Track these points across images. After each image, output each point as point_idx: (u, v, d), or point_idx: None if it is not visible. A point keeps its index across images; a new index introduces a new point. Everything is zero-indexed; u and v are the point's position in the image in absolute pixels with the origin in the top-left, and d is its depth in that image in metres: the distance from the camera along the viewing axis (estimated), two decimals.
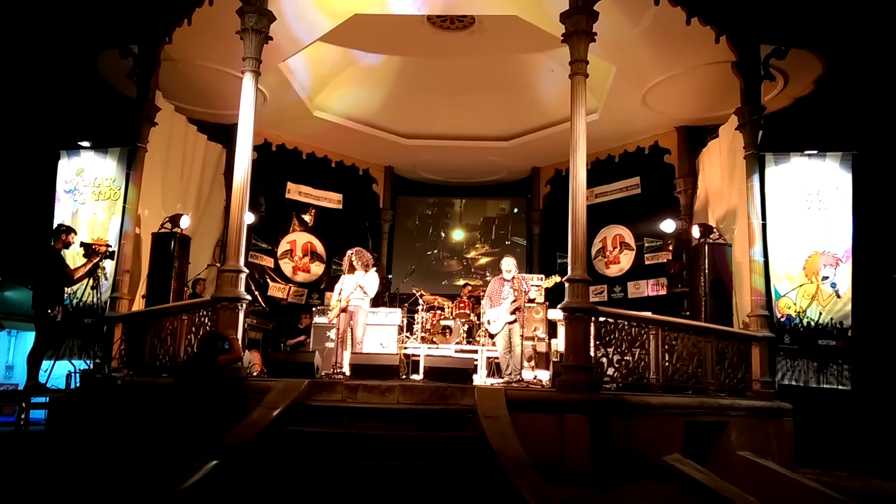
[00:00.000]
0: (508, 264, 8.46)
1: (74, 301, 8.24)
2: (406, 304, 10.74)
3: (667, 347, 7.12)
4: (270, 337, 11.29)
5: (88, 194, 8.87)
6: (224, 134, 11.06)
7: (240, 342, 6.83)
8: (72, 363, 8.04)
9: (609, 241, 12.13)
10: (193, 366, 6.33)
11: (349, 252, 8.57)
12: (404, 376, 8.75)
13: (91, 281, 7.91)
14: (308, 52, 9.40)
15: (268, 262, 12.16)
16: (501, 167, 13.37)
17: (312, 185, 12.83)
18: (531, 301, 9.12)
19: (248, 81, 7.28)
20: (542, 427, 6.14)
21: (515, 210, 14.19)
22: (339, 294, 8.38)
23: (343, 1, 8.33)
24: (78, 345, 8.31)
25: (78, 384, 7.70)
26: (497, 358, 8.84)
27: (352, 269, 8.43)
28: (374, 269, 8.61)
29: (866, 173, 8.46)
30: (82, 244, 8.06)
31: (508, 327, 8.26)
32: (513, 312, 8.19)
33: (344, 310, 8.24)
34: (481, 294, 9.66)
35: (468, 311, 10.30)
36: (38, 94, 11.15)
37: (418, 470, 5.40)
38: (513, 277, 8.35)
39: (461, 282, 12.70)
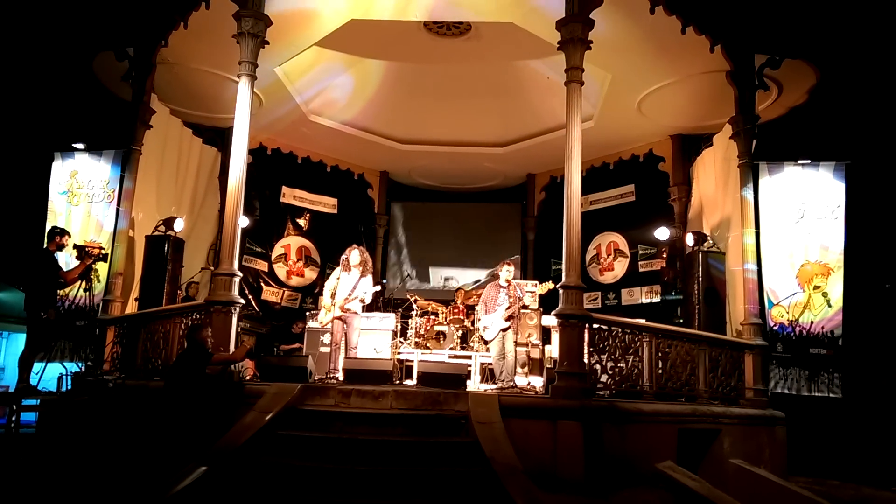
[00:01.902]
0: (507, 272, 8.44)
1: (67, 303, 8.21)
2: (400, 310, 10.72)
3: (660, 355, 7.12)
4: (264, 341, 11.26)
5: (82, 196, 8.83)
6: (219, 137, 11.05)
7: (245, 350, 6.81)
8: (63, 366, 8.01)
9: (603, 248, 12.16)
10: (185, 363, 6.27)
11: (355, 247, 8.35)
12: (398, 381, 8.75)
13: (84, 283, 7.90)
14: (304, 56, 9.40)
15: (262, 265, 12.13)
16: (497, 173, 13.38)
17: (307, 190, 12.83)
18: (525, 307, 9.10)
19: (243, 85, 7.27)
20: (535, 433, 6.13)
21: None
22: (333, 296, 8.20)
23: (340, 6, 8.35)
24: (70, 347, 8.27)
25: (69, 387, 7.67)
26: (491, 364, 8.83)
27: (347, 266, 8.21)
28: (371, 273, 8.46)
29: (859, 183, 8.52)
30: (75, 246, 8.05)
31: (502, 334, 8.26)
32: (507, 319, 8.20)
33: (339, 316, 8.12)
34: (475, 299, 9.64)
35: (462, 317, 10.29)
36: (32, 96, 11.09)
37: (411, 475, 5.39)
38: (508, 284, 8.35)
39: (455, 286, 12.67)
